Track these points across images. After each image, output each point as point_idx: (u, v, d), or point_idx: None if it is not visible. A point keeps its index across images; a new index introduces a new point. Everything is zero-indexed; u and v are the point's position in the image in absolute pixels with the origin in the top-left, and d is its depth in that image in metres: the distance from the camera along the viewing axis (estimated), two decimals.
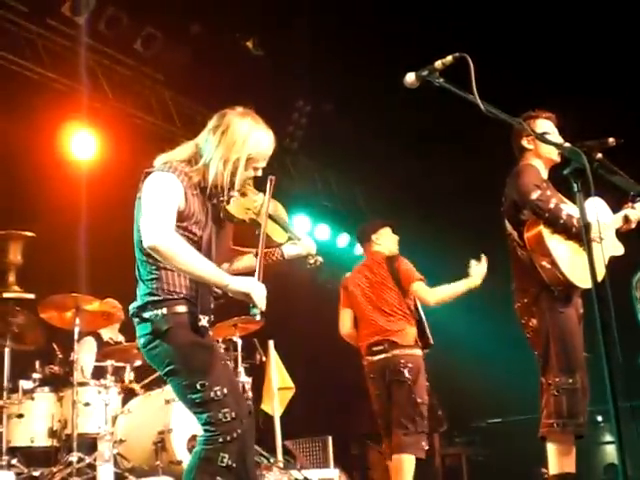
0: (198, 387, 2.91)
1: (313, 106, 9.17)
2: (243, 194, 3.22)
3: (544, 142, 3.97)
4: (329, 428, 7.51)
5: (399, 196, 10.58)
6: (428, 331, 5.37)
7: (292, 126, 9.10)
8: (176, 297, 3.00)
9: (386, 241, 5.51)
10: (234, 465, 2.90)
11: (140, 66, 7.91)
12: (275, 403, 6.32)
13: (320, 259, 3.41)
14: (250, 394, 6.06)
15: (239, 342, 6.21)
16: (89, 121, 7.38)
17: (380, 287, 5.31)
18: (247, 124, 3.13)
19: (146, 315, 3.01)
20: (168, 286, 3.01)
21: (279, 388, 6.40)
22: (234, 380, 3.13)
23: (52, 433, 5.36)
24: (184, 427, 5.05)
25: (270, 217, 3.28)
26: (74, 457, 5.02)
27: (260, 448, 5.87)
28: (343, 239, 10.54)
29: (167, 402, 5.17)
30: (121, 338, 6.42)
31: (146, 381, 5.78)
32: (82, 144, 7.38)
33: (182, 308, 3.00)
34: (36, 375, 5.50)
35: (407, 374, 5.04)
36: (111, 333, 6.41)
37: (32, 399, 5.42)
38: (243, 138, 3.09)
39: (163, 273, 3.02)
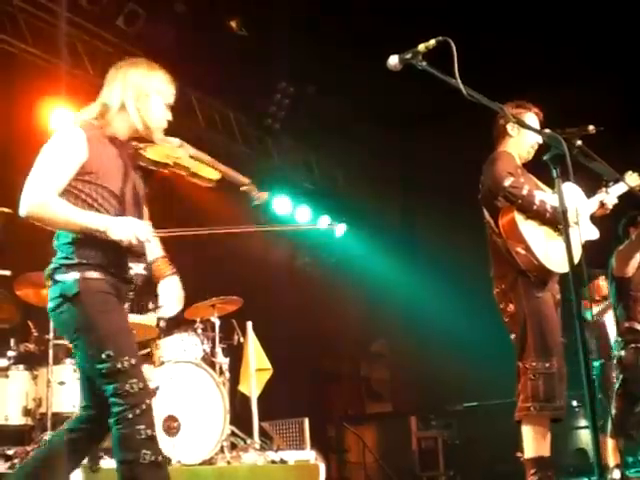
0: (104, 357, 2.86)
1: (296, 87, 9.13)
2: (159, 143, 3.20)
3: (522, 126, 3.97)
4: (306, 410, 7.52)
5: (380, 178, 10.60)
6: None
7: (275, 107, 9.05)
8: (91, 262, 2.95)
9: None
10: (154, 433, 2.86)
11: (122, 43, 7.81)
12: (252, 384, 6.30)
13: (264, 196, 3.33)
14: (227, 375, 6.06)
15: (217, 322, 6.19)
16: (69, 97, 7.27)
17: None
18: (143, 66, 3.22)
19: (58, 277, 2.97)
20: (83, 251, 2.96)
21: (257, 369, 6.38)
22: (138, 354, 3.05)
23: (26, 412, 5.29)
24: (159, 407, 5.02)
25: (194, 158, 3.25)
26: (48, 436, 4.98)
27: (237, 429, 5.88)
28: (324, 221, 10.51)
29: None
30: None
31: None
32: (61, 120, 7.27)
33: (94, 274, 2.95)
34: (11, 353, 5.43)
35: None
36: None
37: (6, 377, 5.34)
38: (146, 76, 3.16)
39: (78, 239, 2.97)
